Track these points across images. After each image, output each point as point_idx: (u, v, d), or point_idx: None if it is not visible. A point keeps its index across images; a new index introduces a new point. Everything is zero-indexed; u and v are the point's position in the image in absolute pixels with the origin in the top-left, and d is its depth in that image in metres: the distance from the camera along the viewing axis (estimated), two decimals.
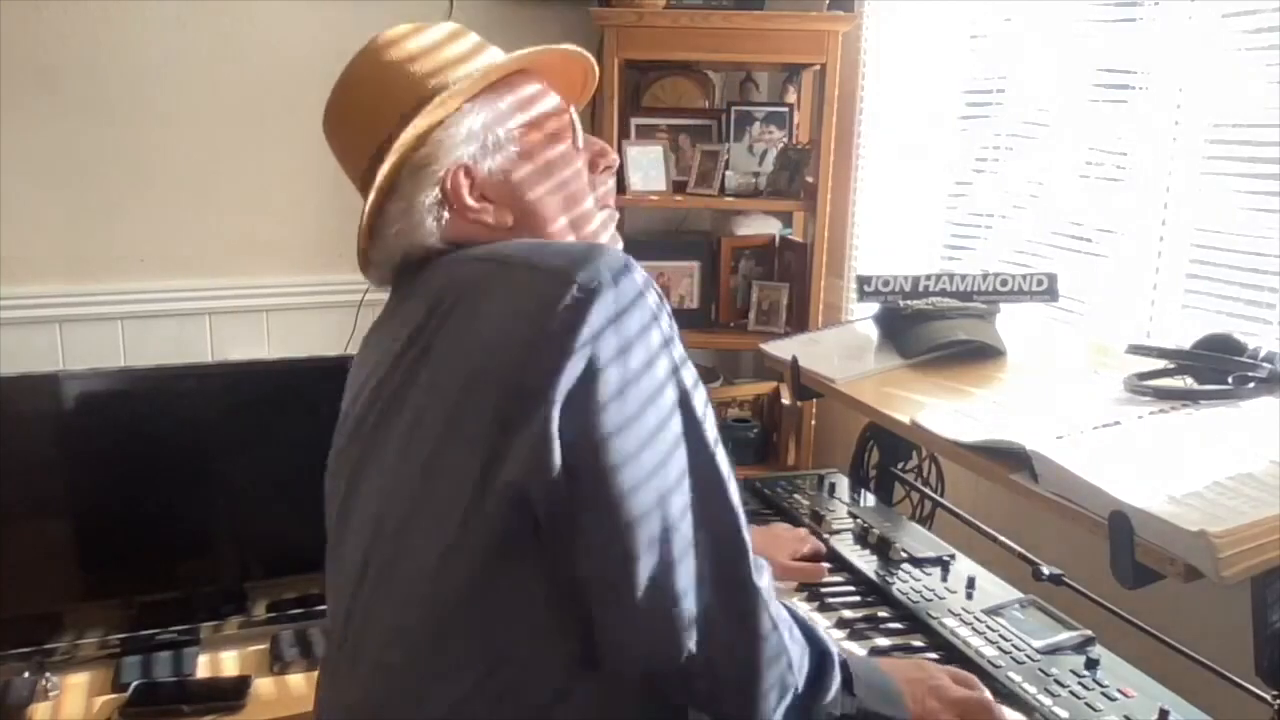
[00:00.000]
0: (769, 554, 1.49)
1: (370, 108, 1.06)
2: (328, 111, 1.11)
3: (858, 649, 1.32)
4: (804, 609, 1.42)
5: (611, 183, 1.15)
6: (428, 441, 0.93)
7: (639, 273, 0.91)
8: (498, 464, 0.87)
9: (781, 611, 0.97)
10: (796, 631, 0.99)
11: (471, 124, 1.04)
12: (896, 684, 1.09)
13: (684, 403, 0.91)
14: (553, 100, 1.10)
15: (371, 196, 1.05)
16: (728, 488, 0.93)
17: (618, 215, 1.16)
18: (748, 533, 0.94)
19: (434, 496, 0.92)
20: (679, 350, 0.92)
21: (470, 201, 1.04)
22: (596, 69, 1.18)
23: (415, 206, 1.04)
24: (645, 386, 0.88)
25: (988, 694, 1.14)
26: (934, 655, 1.29)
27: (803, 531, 1.61)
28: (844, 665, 1.04)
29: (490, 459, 0.87)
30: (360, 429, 1.04)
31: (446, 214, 1.04)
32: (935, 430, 1.40)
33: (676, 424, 0.90)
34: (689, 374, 0.92)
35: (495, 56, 1.09)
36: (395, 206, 1.05)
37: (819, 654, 1.01)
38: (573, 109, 1.12)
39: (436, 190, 1.03)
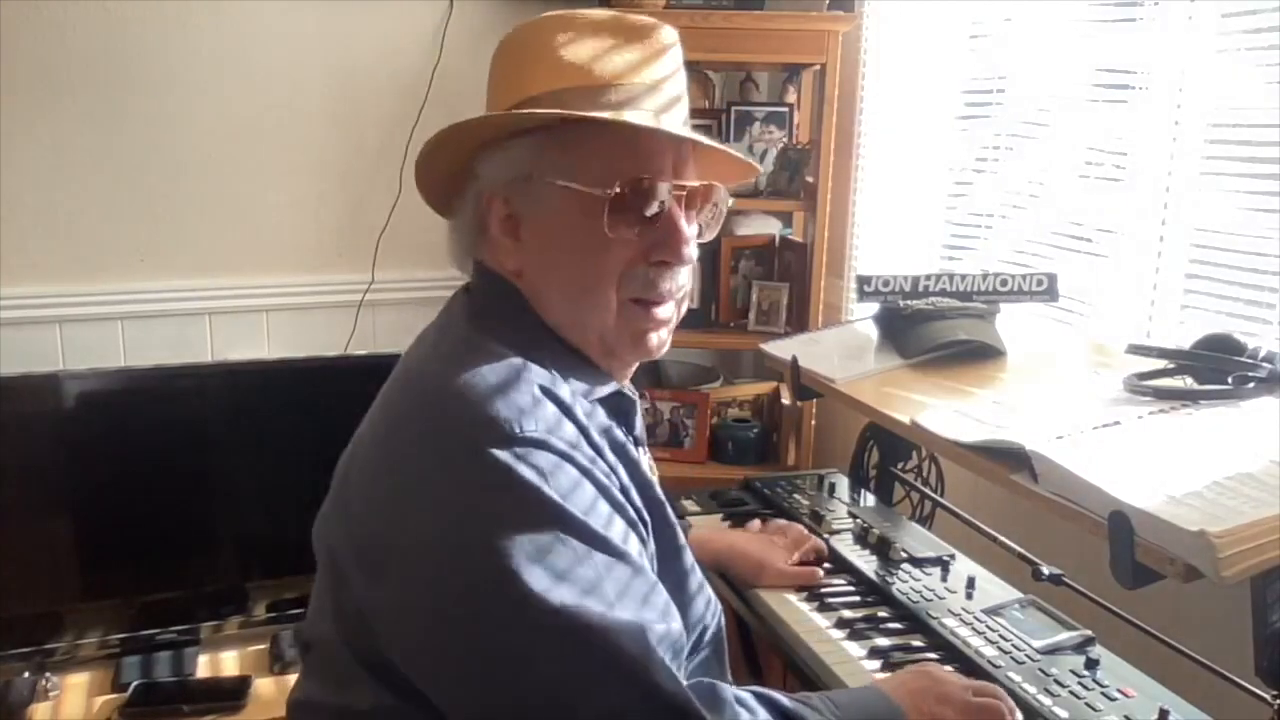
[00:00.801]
0: (766, 562, 1.48)
1: (496, 80, 1.03)
2: (497, 51, 1.05)
3: (857, 649, 1.32)
4: (804, 609, 1.42)
5: (669, 280, 1.01)
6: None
7: (532, 460, 0.87)
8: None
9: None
10: None
11: (519, 156, 0.98)
12: (892, 703, 1.06)
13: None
14: (621, 175, 0.96)
15: (446, 174, 1.03)
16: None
17: (666, 316, 1.03)
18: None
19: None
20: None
21: (494, 231, 1.01)
22: (751, 167, 1.12)
23: (466, 208, 1.03)
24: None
25: (1006, 700, 1.11)
26: (934, 655, 1.29)
27: (798, 530, 1.59)
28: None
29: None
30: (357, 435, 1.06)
31: (483, 233, 1.03)
32: (935, 430, 1.40)
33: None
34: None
35: (656, 78, 0.99)
36: (460, 198, 1.04)
37: None
38: (666, 188, 0.98)
39: (476, 204, 1.02)
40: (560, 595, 0.83)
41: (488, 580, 0.84)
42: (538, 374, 0.94)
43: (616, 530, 0.91)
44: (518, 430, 0.87)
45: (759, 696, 0.98)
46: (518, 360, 0.94)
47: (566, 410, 0.93)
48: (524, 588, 0.83)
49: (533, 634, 0.84)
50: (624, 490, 0.96)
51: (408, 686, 0.90)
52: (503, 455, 0.85)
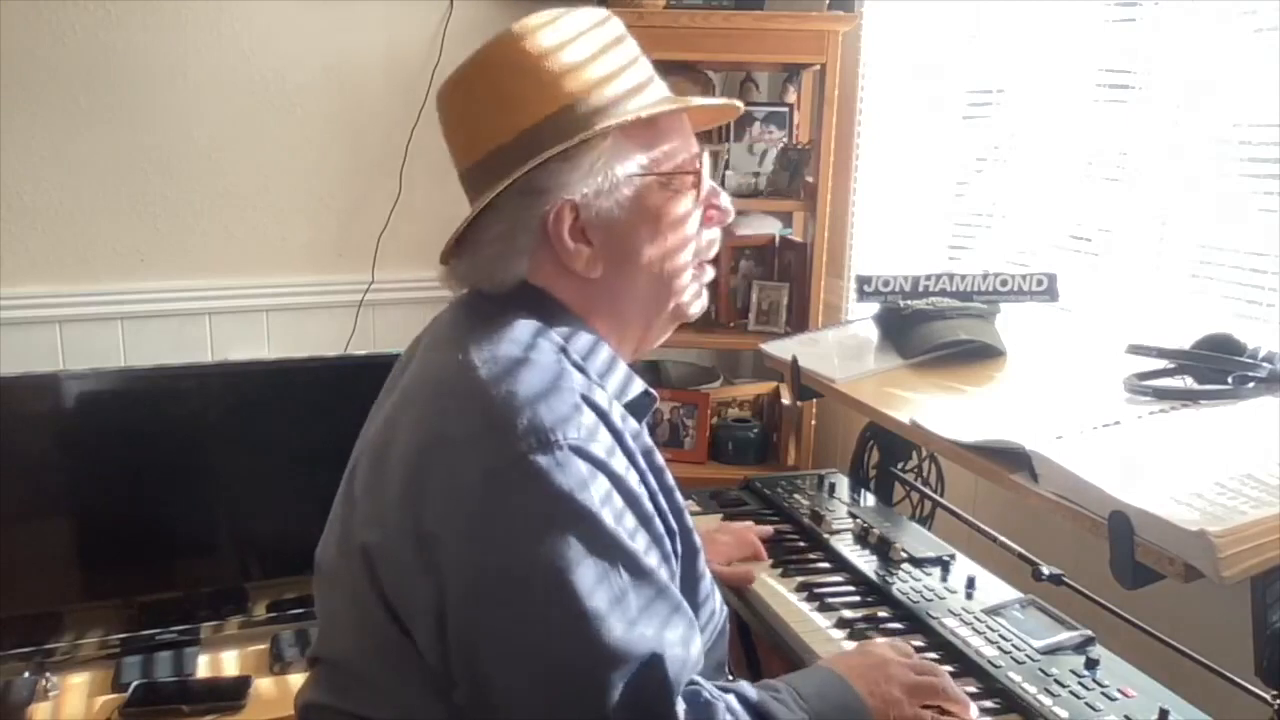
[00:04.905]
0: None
1: (492, 106, 1.00)
2: (448, 87, 1.05)
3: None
4: (804, 609, 1.42)
5: (718, 233, 1.11)
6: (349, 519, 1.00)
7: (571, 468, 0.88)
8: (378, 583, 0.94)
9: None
10: None
11: (594, 159, 0.99)
12: (850, 684, 1.07)
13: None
14: (686, 150, 1.05)
15: (475, 209, 1.01)
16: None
17: (713, 273, 1.13)
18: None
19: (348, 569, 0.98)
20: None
21: (567, 240, 1.00)
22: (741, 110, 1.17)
23: (515, 231, 1.01)
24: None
25: (944, 676, 1.14)
26: (934, 655, 1.29)
27: (740, 529, 1.59)
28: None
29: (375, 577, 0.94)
30: (362, 438, 1.05)
31: (541, 249, 1.01)
32: (935, 430, 1.40)
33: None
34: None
35: (641, 81, 1.03)
36: (496, 226, 1.01)
37: None
38: (705, 155, 1.07)
39: (539, 221, 1.00)
40: (588, 604, 0.85)
41: (518, 582, 0.86)
42: (577, 381, 0.95)
43: (642, 543, 0.92)
44: (557, 437, 0.88)
45: (742, 700, 0.98)
46: (557, 366, 0.95)
47: (604, 417, 0.94)
48: (548, 593, 0.85)
49: (555, 636, 0.86)
50: (653, 497, 0.97)
51: (430, 699, 0.92)
52: (542, 461, 0.87)
